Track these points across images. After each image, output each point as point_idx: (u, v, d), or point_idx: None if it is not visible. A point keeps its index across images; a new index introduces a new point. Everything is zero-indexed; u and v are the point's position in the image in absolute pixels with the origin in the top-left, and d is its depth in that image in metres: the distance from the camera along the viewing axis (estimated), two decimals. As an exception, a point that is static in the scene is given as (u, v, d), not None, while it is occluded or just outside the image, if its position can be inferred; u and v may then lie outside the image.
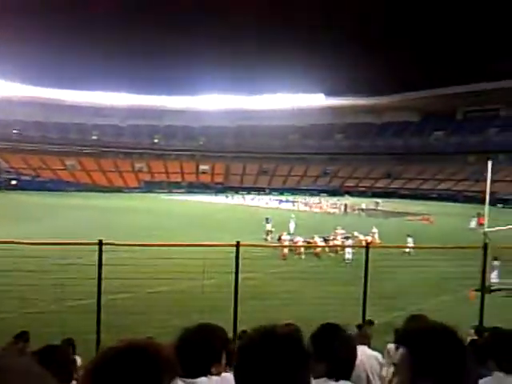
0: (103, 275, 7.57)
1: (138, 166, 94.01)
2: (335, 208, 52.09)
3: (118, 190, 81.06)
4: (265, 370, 1.21)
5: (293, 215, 34.19)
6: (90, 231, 22.35)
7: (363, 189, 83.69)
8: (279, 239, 23.73)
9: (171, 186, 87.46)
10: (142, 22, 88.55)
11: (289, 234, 26.44)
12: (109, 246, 7.59)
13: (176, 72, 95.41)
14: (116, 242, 8.19)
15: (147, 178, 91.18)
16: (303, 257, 21.18)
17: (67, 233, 23.29)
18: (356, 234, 25.30)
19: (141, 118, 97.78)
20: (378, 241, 25.33)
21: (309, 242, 23.06)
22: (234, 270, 7.88)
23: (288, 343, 1.25)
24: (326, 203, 55.12)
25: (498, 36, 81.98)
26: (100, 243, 7.34)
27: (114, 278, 9.12)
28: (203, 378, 2.15)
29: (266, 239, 26.83)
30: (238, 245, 7.81)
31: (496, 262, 17.16)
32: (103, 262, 7.51)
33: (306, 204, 56.24)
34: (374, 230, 26.72)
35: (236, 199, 64.51)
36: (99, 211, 42.61)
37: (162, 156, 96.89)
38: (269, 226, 28.63)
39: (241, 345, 1.31)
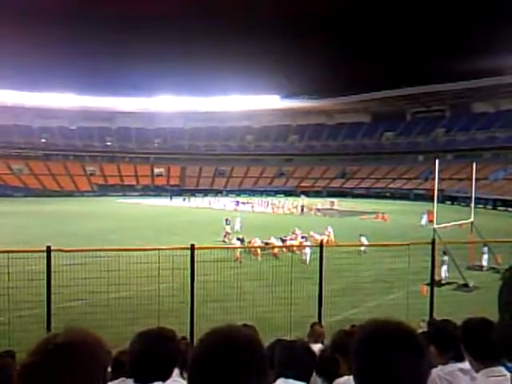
0: (55, 283, 7.27)
1: (89, 169, 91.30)
2: (292, 208, 52.67)
3: (69, 194, 78.50)
4: (221, 379, 1.14)
5: (238, 214, 34.61)
6: (40, 238, 21.45)
7: (318, 189, 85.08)
8: (249, 242, 23.69)
9: (125, 190, 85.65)
10: (91, 19, 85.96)
11: (236, 232, 26.74)
12: (59, 253, 7.29)
13: (127, 73, 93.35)
14: (65, 248, 7.87)
15: (100, 181, 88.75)
16: (260, 258, 21.22)
17: (15, 241, 22.26)
18: (312, 233, 25.63)
19: (91, 120, 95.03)
20: (333, 240, 25.78)
21: (266, 243, 23.15)
22: (189, 273, 7.76)
23: (246, 350, 1.18)
24: (284, 204, 55.60)
25: (441, 39, 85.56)
26: (48, 250, 7.03)
27: (66, 285, 8.77)
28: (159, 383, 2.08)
29: (224, 241, 26.74)
30: (192, 248, 7.71)
31: (445, 257, 17.86)
32: (53, 269, 7.20)
33: (262, 205, 56.52)
34: (329, 229, 27.18)
35: (192, 202, 63.93)
36: (49, 217, 41.05)
37: (115, 159, 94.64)
38: (228, 228, 28.59)
39: (196, 353, 1.22)
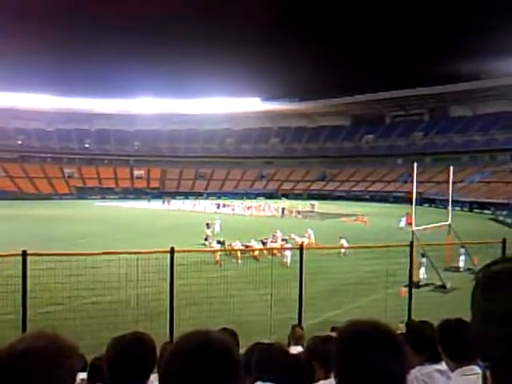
0: (31, 288, 7.12)
1: (68, 171, 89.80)
2: (273, 211, 52.77)
3: (47, 197, 77.07)
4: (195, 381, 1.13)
5: (217, 217, 34.82)
6: (16, 242, 20.98)
7: (299, 191, 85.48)
8: (229, 245, 23.62)
9: (104, 192, 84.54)
10: (69, 20, 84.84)
11: (216, 235, 27.38)
12: (35, 258, 7.15)
13: (106, 74, 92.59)
14: (41, 252, 7.72)
15: (79, 184, 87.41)
16: (240, 261, 21.17)
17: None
18: (293, 236, 25.70)
19: (70, 121, 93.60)
20: (313, 242, 25.89)
21: (247, 246, 23.12)
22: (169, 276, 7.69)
23: (221, 355, 1.16)
24: (264, 206, 55.63)
25: (420, 44, 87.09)
26: (24, 254, 6.88)
27: (43, 290, 8.60)
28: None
29: (204, 244, 26.61)
30: (172, 251, 7.65)
31: (423, 259, 18.11)
32: (29, 273, 7.05)
33: (244, 208, 56.43)
34: (310, 232, 27.28)
35: (173, 204, 63.44)
36: (26, 220, 40.25)
37: (94, 161, 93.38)
38: (208, 231, 28.47)
39: (168, 358, 1.20)
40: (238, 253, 21.79)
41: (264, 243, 24.31)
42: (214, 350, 1.16)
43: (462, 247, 20.55)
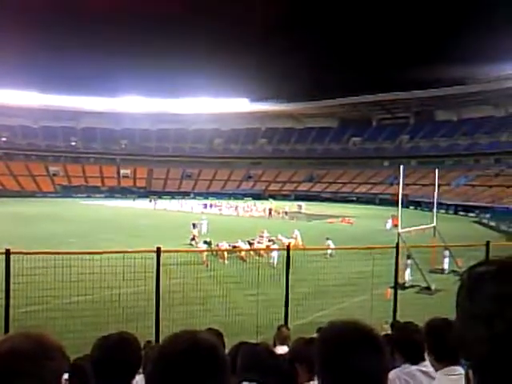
0: (14, 287, 7.02)
1: (53, 169, 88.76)
2: (260, 211, 52.82)
3: (31, 195, 76.14)
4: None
5: (204, 217, 34.91)
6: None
7: (286, 192, 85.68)
8: (216, 245, 23.56)
9: (90, 191, 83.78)
10: (56, 16, 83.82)
11: (203, 235, 27.77)
12: (19, 256, 7.05)
13: (94, 72, 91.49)
14: (25, 251, 7.62)
15: (64, 182, 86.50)
16: (227, 262, 21.14)
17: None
18: (280, 237, 25.74)
19: (56, 119, 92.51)
20: (300, 243, 25.95)
21: (234, 247, 23.09)
22: (155, 276, 7.65)
23: (206, 356, 1.16)
24: (251, 207, 55.66)
25: (407, 49, 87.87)
26: (7, 252, 6.78)
27: (27, 289, 8.49)
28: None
29: (191, 244, 26.53)
30: (158, 251, 7.61)
31: (409, 261, 18.27)
32: (12, 272, 6.95)
33: (230, 208, 56.40)
34: (296, 232, 27.33)
35: (159, 204, 63.10)
36: (9, 218, 39.70)
37: (80, 159, 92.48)
38: (195, 232, 28.36)
39: (154, 358, 1.19)
40: (225, 253, 21.76)
41: (251, 244, 24.31)
42: (200, 351, 1.16)
43: (447, 249, 20.78)
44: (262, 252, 22.42)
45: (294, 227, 29.89)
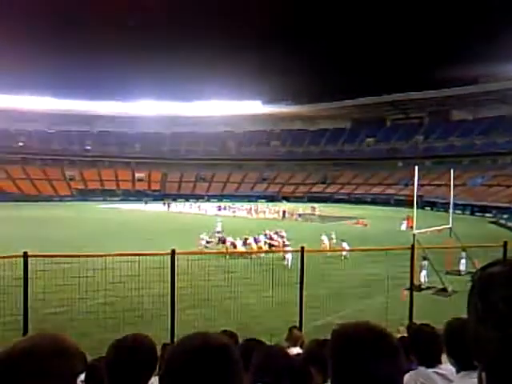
0: (31, 290, 7.12)
1: (69, 173, 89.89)
2: (274, 213, 52.75)
3: (48, 199, 77.14)
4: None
5: (219, 218, 36.55)
6: (17, 244, 20.99)
7: (300, 194, 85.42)
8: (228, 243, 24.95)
9: (106, 194, 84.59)
10: (72, 23, 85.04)
11: (218, 232, 29.68)
12: (37, 259, 7.15)
13: (108, 77, 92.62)
14: (42, 254, 7.73)
15: (80, 186, 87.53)
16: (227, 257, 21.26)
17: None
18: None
19: (70, 123, 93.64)
20: (327, 246, 25.41)
21: (245, 239, 25.06)
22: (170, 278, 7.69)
23: (220, 358, 1.18)
24: (266, 209, 55.63)
25: (421, 48, 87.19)
26: (25, 255, 6.89)
27: (44, 291, 8.60)
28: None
29: (206, 247, 26.60)
30: (173, 253, 7.65)
31: (425, 262, 18.07)
32: (30, 275, 7.06)
33: (244, 210, 56.45)
34: (323, 237, 26.48)
35: (173, 207, 63.40)
36: (27, 222, 40.25)
37: (95, 163, 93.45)
38: (217, 232, 29.21)
39: (168, 360, 1.21)
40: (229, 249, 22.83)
41: (271, 245, 25.40)
42: (211, 350, 1.18)
43: (463, 250, 20.51)
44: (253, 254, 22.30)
45: (308, 229, 29.77)
